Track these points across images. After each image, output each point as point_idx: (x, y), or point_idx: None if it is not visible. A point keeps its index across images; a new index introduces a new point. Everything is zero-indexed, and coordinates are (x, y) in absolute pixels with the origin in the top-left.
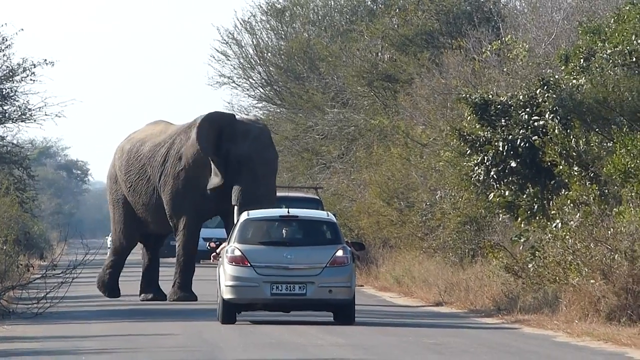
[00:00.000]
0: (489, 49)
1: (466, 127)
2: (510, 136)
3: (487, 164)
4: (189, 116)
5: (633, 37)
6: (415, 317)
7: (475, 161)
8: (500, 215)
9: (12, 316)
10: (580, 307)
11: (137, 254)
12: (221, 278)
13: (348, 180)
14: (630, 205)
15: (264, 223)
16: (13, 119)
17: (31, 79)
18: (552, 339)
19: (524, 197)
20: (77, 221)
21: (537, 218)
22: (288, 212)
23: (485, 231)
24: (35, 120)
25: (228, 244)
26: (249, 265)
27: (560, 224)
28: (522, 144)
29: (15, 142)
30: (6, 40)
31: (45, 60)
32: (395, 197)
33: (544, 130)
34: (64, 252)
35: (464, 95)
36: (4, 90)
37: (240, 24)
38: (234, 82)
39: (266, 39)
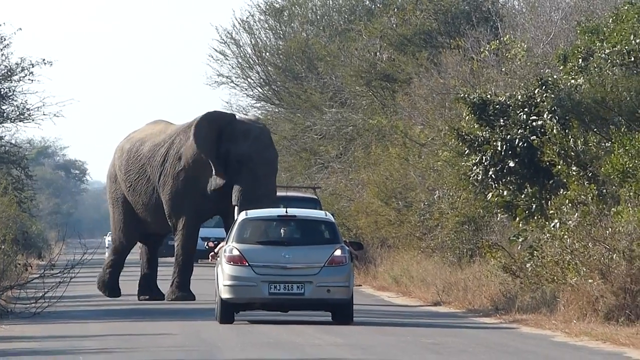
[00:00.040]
0: (487, 48)
1: (464, 127)
2: (509, 136)
3: (486, 163)
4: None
5: (631, 36)
6: (414, 317)
7: (474, 161)
8: (499, 215)
9: (10, 316)
10: (578, 307)
11: (136, 253)
12: (219, 277)
13: (346, 180)
14: (629, 205)
15: (262, 223)
16: (11, 119)
17: (29, 79)
18: (550, 338)
19: (522, 196)
20: (75, 221)
21: (536, 218)
22: (286, 212)
23: (484, 231)
24: (33, 120)
25: (226, 243)
26: (247, 264)
27: (558, 224)
28: (520, 144)
29: (13, 141)
30: (4, 39)
31: (44, 59)
32: (393, 197)
33: (542, 130)
34: (62, 251)
35: (462, 95)
36: (2, 90)
37: (239, 23)
38: (232, 81)
39: (264, 38)
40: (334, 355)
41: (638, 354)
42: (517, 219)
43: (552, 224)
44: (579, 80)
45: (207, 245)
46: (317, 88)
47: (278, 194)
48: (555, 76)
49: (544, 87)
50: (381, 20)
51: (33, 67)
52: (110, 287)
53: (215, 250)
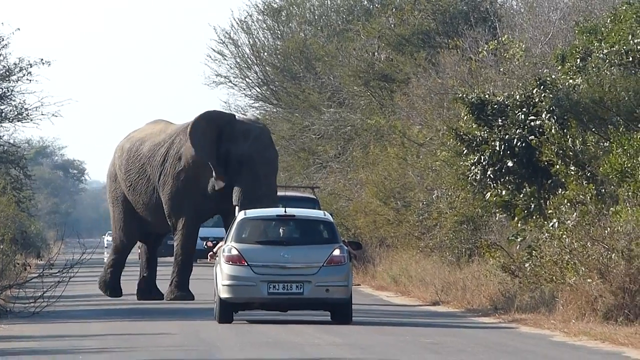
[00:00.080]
0: (485, 48)
1: (463, 127)
2: (507, 136)
3: (484, 163)
4: (185, 115)
5: (629, 36)
6: (412, 317)
7: (472, 161)
8: (497, 214)
9: (9, 315)
10: (577, 307)
11: (135, 253)
12: (218, 277)
13: (345, 180)
14: (627, 204)
15: (260, 222)
16: (9, 119)
17: (28, 79)
18: (549, 338)
19: (521, 196)
20: (74, 220)
21: (534, 217)
22: (285, 212)
23: (482, 230)
24: (31, 120)
25: (225, 243)
26: (246, 264)
27: (557, 224)
28: (518, 144)
29: (11, 141)
30: (3, 39)
31: (42, 59)
32: (392, 197)
33: (540, 130)
34: (60, 251)
35: (460, 95)
36: (0, 89)
37: (237, 23)
38: (230, 81)
39: (262, 38)
40: (333, 355)
41: (637, 354)
42: (516, 218)
43: (551, 224)
44: (577, 80)
45: (206, 244)
46: (315, 88)
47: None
48: (553, 76)
49: (542, 87)
50: (379, 20)
51: (31, 67)
52: (112, 287)
53: (214, 250)
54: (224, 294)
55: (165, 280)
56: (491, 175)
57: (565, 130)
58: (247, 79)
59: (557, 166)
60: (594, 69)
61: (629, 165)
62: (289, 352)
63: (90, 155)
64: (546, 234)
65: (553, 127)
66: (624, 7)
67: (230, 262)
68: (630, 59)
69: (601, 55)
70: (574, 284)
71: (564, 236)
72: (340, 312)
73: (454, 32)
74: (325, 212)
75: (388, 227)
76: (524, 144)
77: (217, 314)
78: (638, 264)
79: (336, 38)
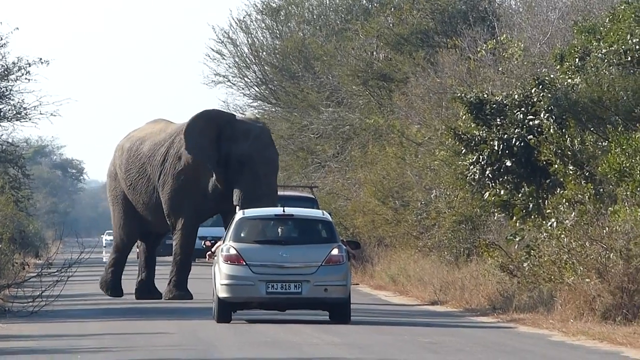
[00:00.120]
0: (484, 48)
1: (461, 126)
2: (506, 135)
3: (483, 163)
4: (184, 115)
5: (628, 36)
6: (411, 316)
7: (471, 160)
8: (496, 214)
9: (7, 314)
10: (575, 306)
11: (134, 252)
12: (216, 277)
13: (343, 179)
14: (625, 204)
15: (259, 222)
16: (8, 118)
17: (26, 78)
18: (548, 338)
19: (519, 196)
20: (72, 220)
21: (533, 217)
22: (283, 211)
23: (481, 230)
24: (30, 119)
25: (223, 242)
26: (244, 263)
27: (555, 223)
28: (517, 143)
29: (10, 141)
30: (1, 39)
31: (41, 59)
32: (390, 196)
33: (539, 129)
34: (59, 250)
35: (459, 94)
36: None
37: (236, 23)
38: (229, 81)
39: (261, 38)
40: (332, 354)
41: (635, 353)
42: (514, 218)
43: (549, 223)
44: (575, 80)
45: (205, 244)
46: (314, 87)
47: None
48: (552, 76)
49: (540, 86)
50: (378, 19)
51: (30, 66)
52: (113, 286)
53: (213, 249)
54: (223, 293)
55: (163, 279)
56: (490, 175)
57: (563, 130)
58: (245, 79)
59: (556, 166)
60: (593, 69)
61: (628, 164)
62: (287, 351)
63: (89, 155)
64: (544, 234)
65: (551, 126)
66: (623, 7)
67: (229, 262)
68: (629, 58)
69: (600, 54)
70: (573, 283)
71: (563, 236)
72: (339, 311)
73: (452, 31)
74: (324, 212)
75: (386, 227)
76: (522, 144)
77: (215, 314)
78: (636, 263)
79: (335, 37)
